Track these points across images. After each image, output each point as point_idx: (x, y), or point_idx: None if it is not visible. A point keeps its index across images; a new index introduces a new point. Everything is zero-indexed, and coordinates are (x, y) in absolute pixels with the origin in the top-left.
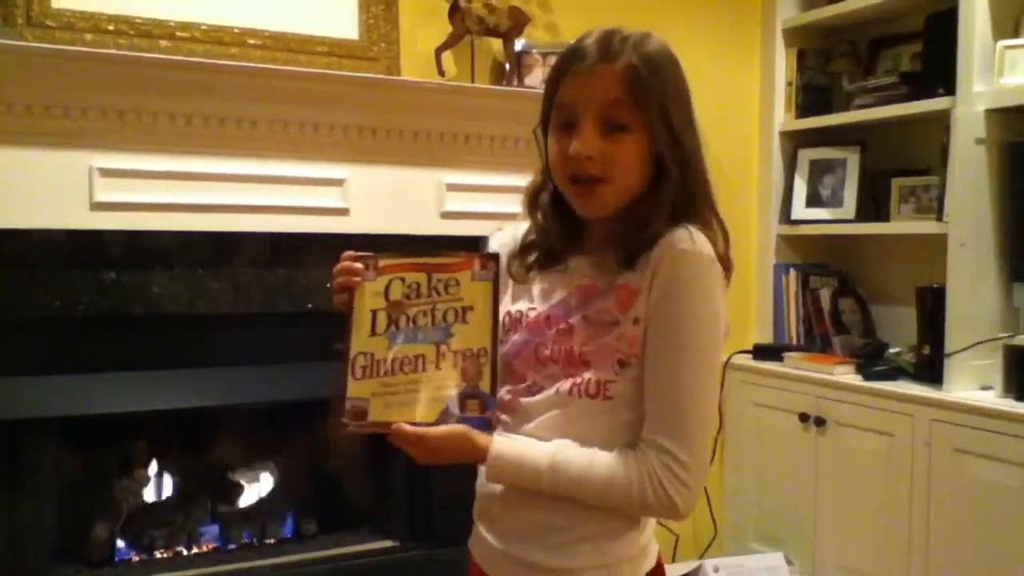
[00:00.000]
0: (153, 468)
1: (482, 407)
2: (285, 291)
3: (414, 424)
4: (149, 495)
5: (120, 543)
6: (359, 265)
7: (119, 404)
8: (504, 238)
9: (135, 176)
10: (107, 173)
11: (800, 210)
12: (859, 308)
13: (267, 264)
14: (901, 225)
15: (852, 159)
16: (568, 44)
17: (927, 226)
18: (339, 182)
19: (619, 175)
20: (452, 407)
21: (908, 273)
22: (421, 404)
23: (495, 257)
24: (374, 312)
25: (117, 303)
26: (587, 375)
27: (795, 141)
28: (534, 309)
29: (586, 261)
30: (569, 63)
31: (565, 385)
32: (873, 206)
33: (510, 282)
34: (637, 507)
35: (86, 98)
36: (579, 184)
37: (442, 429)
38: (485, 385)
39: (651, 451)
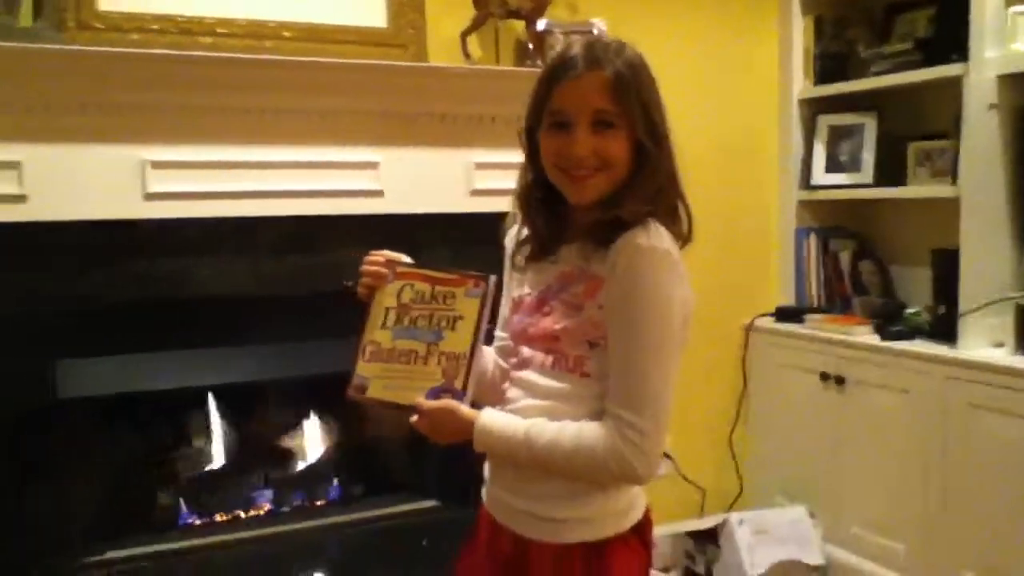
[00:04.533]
0: (211, 439)
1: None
2: (326, 271)
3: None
4: (207, 464)
5: (182, 509)
6: (384, 270)
7: (178, 380)
8: (512, 232)
9: (183, 167)
10: (158, 165)
11: (820, 175)
12: (878, 270)
13: (309, 246)
14: (917, 189)
15: (870, 124)
16: (558, 53)
17: (942, 190)
18: (373, 165)
19: (611, 165)
20: (430, 396)
21: (925, 235)
22: (408, 390)
23: (487, 278)
24: (387, 309)
25: (172, 286)
26: (564, 351)
27: (814, 108)
28: (530, 294)
29: (571, 250)
30: (560, 73)
31: (548, 360)
32: (890, 170)
33: (515, 272)
34: (601, 473)
35: (136, 96)
36: (575, 174)
37: (434, 401)
38: (459, 384)
39: (612, 422)
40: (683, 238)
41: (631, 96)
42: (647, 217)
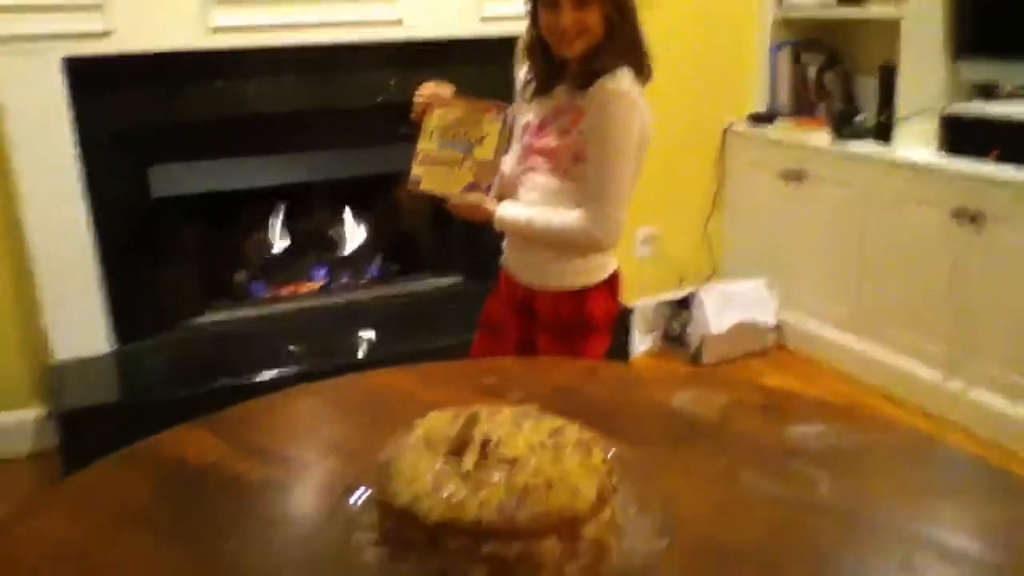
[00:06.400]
0: (275, 228)
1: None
2: (359, 89)
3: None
4: (273, 248)
5: (253, 284)
6: (430, 101)
7: (246, 181)
8: (521, 73)
9: (241, 4)
10: (220, 2)
11: None
12: (840, 80)
13: (343, 68)
14: (871, 9)
15: None
16: None
17: (891, 11)
18: None
19: (588, 31)
20: (465, 191)
21: (882, 50)
22: (449, 185)
23: (506, 107)
24: (434, 128)
25: (237, 104)
26: (557, 162)
27: None
28: (534, 120)
29: (563, 90)
30: None
31: (547, 167)
32: None
33: (523, 103)
34: (579, 244)
35: None
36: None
37: (469, 195)
38: (485, 183)
39: (586, 210)
40: (645, 79)
41: None
42: (616, 66)
